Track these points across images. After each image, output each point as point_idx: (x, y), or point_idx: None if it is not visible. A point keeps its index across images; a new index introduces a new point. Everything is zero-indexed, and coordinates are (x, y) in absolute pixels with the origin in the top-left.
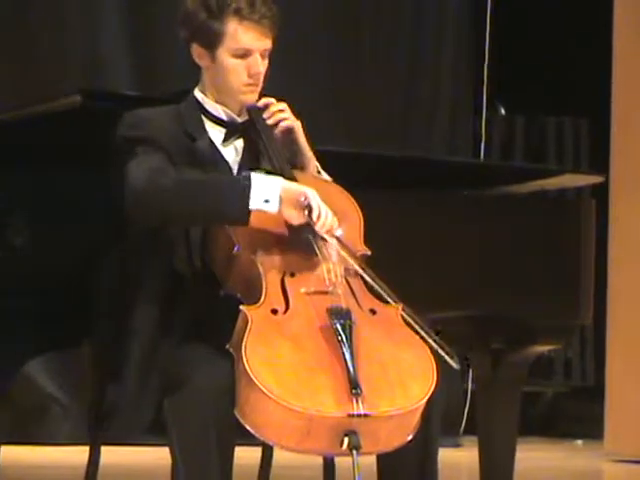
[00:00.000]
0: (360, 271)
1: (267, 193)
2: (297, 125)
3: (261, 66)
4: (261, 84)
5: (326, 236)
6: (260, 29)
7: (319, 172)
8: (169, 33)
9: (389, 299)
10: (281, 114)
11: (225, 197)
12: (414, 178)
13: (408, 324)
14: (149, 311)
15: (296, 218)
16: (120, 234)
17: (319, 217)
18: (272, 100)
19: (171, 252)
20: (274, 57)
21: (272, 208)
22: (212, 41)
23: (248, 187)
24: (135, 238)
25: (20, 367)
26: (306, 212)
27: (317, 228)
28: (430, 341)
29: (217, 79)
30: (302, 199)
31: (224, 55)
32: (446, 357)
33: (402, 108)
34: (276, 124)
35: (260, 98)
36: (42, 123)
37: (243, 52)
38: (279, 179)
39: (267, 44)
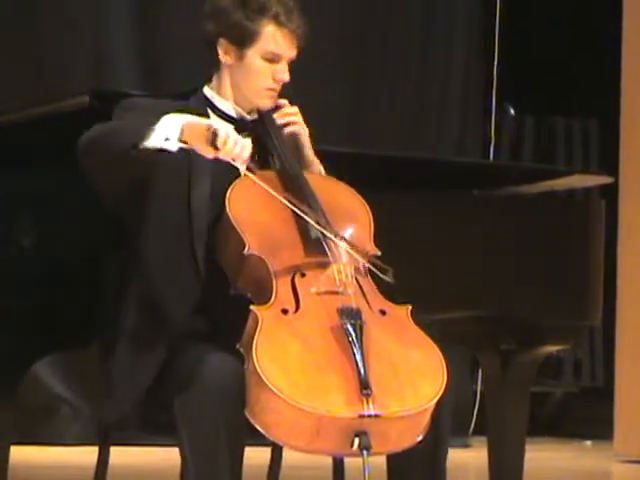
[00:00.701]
0: (368, 265)
1: (168, 131)
2: (305, 132)
3: (287, 74)
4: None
5: (234, 163)
6: (293, 38)
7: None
8: (176, 34)
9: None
10: (292, 117)
11: (130, 136)
12: (425, 179)
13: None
14: (148, 313)
15: (205, 151)
16: (123, 233)
17: (224, 144)
18: (285, 102)
19: (172, 252)
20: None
21: (171, 146)
22: (244, 40)
23: (151, 126)
24: (136, 237)
25: (27, 368)
26: (212, 145)
27: (221, 155)
28: (361, 259)
29: (238, 78)
30: (207, 130)
31: (254, 56)
32: (379, 273)
33: (413, 109)
34: (285, 126)
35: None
36: (49, 124)
37: (273, 57)
38: (187, 117)
39: (294, 54)
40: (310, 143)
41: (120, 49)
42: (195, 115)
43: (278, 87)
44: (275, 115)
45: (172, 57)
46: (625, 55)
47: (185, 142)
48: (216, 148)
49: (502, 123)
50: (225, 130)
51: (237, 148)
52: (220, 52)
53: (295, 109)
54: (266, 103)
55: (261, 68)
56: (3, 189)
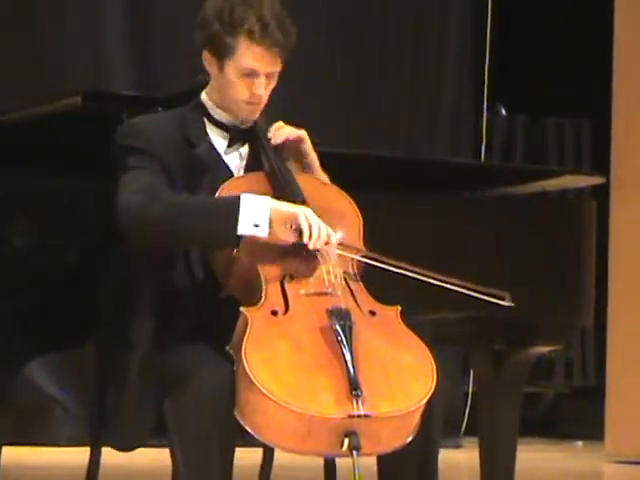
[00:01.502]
0: (366, 260)
1: (256, 217)
2: (303, 134)
3: (263, 89)
4: (264, 103)
5: (325, 247)
6: (269, 55)
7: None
8: (171, 35)
9: (408, 273)
10: (282, 130)
11: (214, 224)
12: (415, 179)
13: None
14: (143, 314)
15: (289, 238)
16: (120, 235)
17: (310, 237)
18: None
19: (167, 255)
20: None
21: (262, 232)
22: (222, 53)
23: (236, 212)
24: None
25: (21, 368)
26: (296, 233)
27: (310, 247)
28: (474, 294)
29: (221, 88)
30: (291, 222)
31: (231, 69)
32: (499, 302)
33: (404, 109)
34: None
35: (261, 115)
36: (44, 124)
37: (249, 72)
38: (268, 201)
39: (275, 67)
40: (313, 151)
41: (118, 49)
42: (194, 122)
43: (258, 100)
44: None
45: (170, 57)
46: (617, 55)
47: (272, 227)
48: (301, 240)
49: (493, 123)
50: (307, 223)
51: (323, 235)
52: (205, 62)
53: (280, 123)
54: (247, 116)
55: (238, 82)
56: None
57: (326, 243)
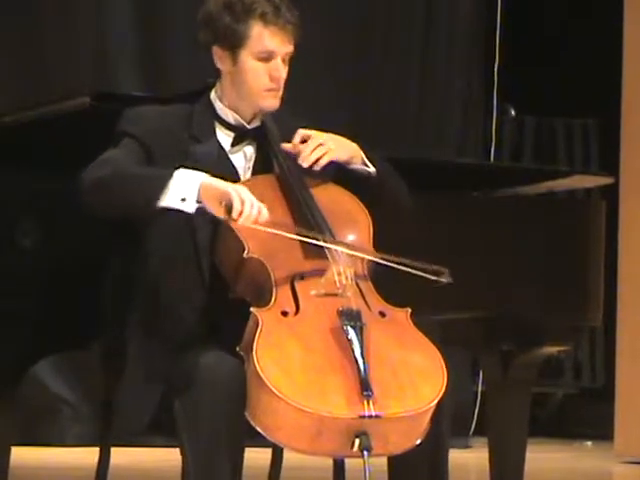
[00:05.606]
0: (379, 260)
1: (184, 192)
2: (336, 154)
3: (283, 70)
4: (282, 89)
5: (255, 226)
6: (284, 34)
7: (365, 165)
8: (177, 33)
9: (421, 273)
10: (320, 150)
11: (143, 191)
12: (423, 180)
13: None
14: (151, 315)
15: (219, 215)
16: (125, 234)
17: (240, 213)
18: (309, 134)
19: (176, 255)
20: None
21: (188, 208)
22: (235, 43)
23: (166, 184)
24: (138, 239)
25: (28, 368)
26: (227, 210)
27: (240, 223)
28: (413, 271)
29: (237, 82)
30: (222, 199)
31: (246, 58)
32: (436, 278)
33: (414, 109)
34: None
35: (281, 104)
36: (51, 124)
37: (266, 55)
38: (201, 177)
39: (290, 48)
40: (356, 154)
41: (121, 49)
42: (202, 119)
43: (278, 85)
44: (300, 160)
45: (173, 57)
46: (626, 55)
47: (201, 202)
48: (229, 217)
49: (503, 124)
50: (239, 197)
51: (254, 212)
52: (216, 59)
53: (320, 139)
54: (270, 103)
55: (256, 68)
56: (4, 189)
57: (254, 222)
